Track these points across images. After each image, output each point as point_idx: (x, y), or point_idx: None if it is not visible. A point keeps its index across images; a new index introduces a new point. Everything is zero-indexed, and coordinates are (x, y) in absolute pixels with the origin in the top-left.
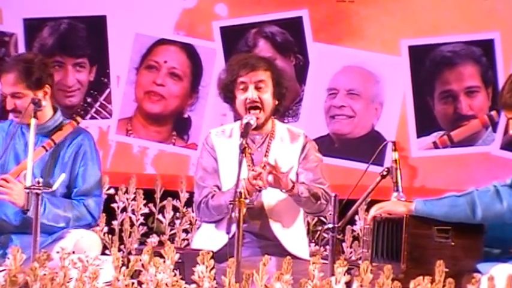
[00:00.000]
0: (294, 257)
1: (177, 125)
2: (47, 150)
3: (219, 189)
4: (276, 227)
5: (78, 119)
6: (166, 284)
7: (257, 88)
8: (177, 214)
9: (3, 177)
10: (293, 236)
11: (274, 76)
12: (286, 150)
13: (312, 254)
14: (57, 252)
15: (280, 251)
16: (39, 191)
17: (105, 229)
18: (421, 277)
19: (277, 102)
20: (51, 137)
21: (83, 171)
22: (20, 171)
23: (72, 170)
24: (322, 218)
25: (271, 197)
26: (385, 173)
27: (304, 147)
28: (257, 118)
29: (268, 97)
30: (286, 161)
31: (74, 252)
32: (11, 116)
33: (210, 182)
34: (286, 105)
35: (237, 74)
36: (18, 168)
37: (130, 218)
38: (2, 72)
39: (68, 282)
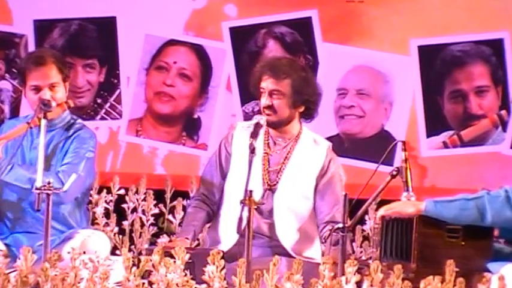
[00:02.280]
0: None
1: (187, 126)
2: (31, 128)
3: (206, 196)
4: (280, 229)
5: (70, 102)
6: (176, 284)
7: (271, 96)
8: None
9: None
10: (297, 238)
11: (293, 84)
12: (307, 160)
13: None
14: (68, 253)
15: (287, 252)
16: (49, 192)
17: (116, 229)
18: (431, 276)
19: (302, 109)
20: (37, 116)
21: (70, 152)
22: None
23: (66, 153)
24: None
25: (281, 198)
26: (394, 172)
27: (325, 164)
28: (268, 115)
29: (281, 104)
30: (305, 171)
31: (84, 253)
32: (22, 113)
33: (203, 185)
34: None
35: (259, 78)
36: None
37: (140, 218)
38: (33, 66)
39: (79, 282)
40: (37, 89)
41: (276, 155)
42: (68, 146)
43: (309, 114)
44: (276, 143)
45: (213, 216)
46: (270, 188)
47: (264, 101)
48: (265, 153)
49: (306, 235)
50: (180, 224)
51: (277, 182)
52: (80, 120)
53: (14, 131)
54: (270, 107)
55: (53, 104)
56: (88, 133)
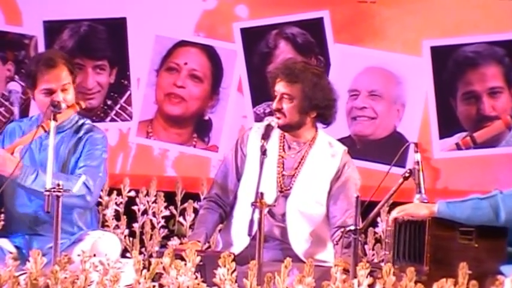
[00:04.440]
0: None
1: (198, 127)
2: (45, 131)
3: (220, 197)
4: (292, 233)
5: (81, 102)
6: (187, 287)
7: (281, 99)
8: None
9: None
10: (310, 242)
11: (304, 89)
12: (322, 165)
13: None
14: (78, 255)
15: (298, 256)
16: (59, 194)
17: (126, 232)
18: (444, 279)
19: (314, 114)
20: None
21: (86, 154)
22: (14, 148)
23: (80, 156)
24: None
25: (294, 203)
26: (407, 174)
27: (340, 168)
28: (278, 118)
29: (291, 108)
30: (319, 176)
31: (94, 255)
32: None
33: (217, 186)
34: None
35: (274, 81)
36: (13, 145)
37: (151, 220)
38: (44, 68)
39: (89, 285)
40: (50, 92)
41: (290, 159)
42: (81, 147)
43: (324, 119)
44: (291, 147)
45: (225, 218)
46: (284, 193)
47: (275, 104)
48: (280, 156)
49: (318, 239)
50: (191, 227)
51: (291, 187)
52: (88, 121)
53: (29, 135)
54: (279, 110)
55: (63, 105)
56: (100, 133)
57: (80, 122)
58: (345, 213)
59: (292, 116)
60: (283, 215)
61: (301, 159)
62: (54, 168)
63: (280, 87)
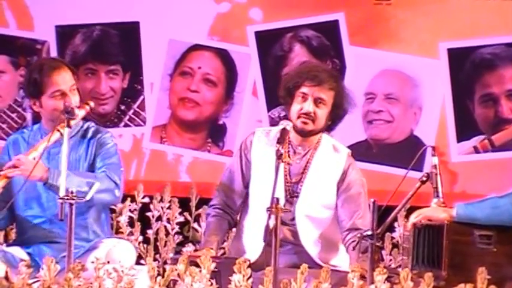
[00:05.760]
0: (320, 266)
1: (212, 132)
2: (62, 134)
3: (226, 204)
4: (303, 236)
5: (90, 102)
6: None
7: (315, 103)
8: None
9: (17, 157)
10: (322, 245)
11: (336, 97)
12: (327, 167)
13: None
14: (92, 262)
15: (312, 260)
16: (72, 201)
17: (140, 238)
18: (462, 284)
19: (330, 122)
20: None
21: (102, 154)
22: (30, 153)
23: (95, 158)
24: None
25: (302, 208)
26: (424, 178)
27: (345, 169)
28: (305, 123)
29: (322, 114)
30: (325, 179)
31: (108, 262)
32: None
33: (222, 193)
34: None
35: (301, 82)
36: (30, 151)
37: (165, 227)
38: (51, 71)
39: None
40: (61, 95)
41: (296, 164)
42: (93, 150)
43: (333, 127)
44: (296, 152)
45: (233, 225)
46: (292, 198)
47: (307, 106)
48: (285, 162)
49: (330, 243)
50: (205, 233)
51: (299, 193)
52: (92, 124)
53: (44, 141)
54: (308, 114)
55: (76, 111)
56: (106, 132)
57: (85, 126)
58: (353, 215)
59: (320, 122)
60: (293, 219)
61: (307, 164)
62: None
63: (313, 91)
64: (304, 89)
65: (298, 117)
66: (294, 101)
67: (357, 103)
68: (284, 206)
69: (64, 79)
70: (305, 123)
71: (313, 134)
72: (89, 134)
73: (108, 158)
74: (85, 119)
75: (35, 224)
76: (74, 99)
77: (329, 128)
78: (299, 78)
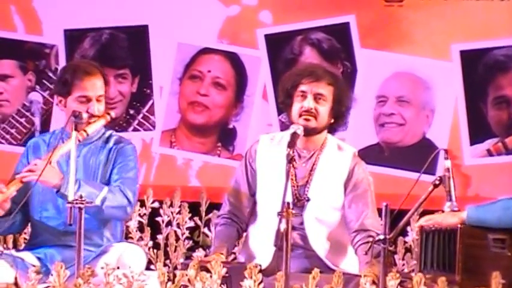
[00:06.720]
0: (332, 270)
1: (222, 136)
2: (80, 142)
3: (234, 214)
4: (313, 239)
5: (111, 112)
6: None
7: (316, 99)
8: None
9: (34, 162)
10: (331, 248)
11: (336, 92)
12: (333, 168)
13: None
14: (102, 268)
15: (323, 263)
16: (82, 206)
17: (150, 244)
18: None
19: (333, 120)
20: (83, 129)
21: (120, 166)
22: (49, 158)
23: (113, 168)
24: None
25: (311, 211)
26: (437, 182)
27: (351, 169)
28: (307, 120)
29: (324, 111)
30: (332, 181)
31: (118, 268)
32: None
33: (230, 203)
34: (342, 124)
35: (299, 81)
36: (49, 155)
37: (175, 232)
38: (83, 75)
39: None
40: (86, 100)
41: (301, 168)
42: (113, 158)
43: (337, 127)
44: (301, 156)
45: (242, 234)
46: (300, 202)
47: (307, 103)
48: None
49: (338, 245)
50: None
51: (306, 196)
52: (114, 132)
53: (66, 144)
54: (312, 111)
55: (84, 116)
56: (130, 144)
57: (107, 133)
58: (360, 215)
59: (323, 119)
60: (301, 223)
61: (313, 166)
62: (84, 178)
63: (312, 88)
64: (302, 87)
65: (300, 115)
66: (294, 101)
67: (357, 98)
68: (292, 209)
69: (94, 86)
70: (307, 119)
71: (317, 133)
72: (112, 141)
73: (126, 172)
74: (104, 126)
75: (49, 226)
76: (98, 107)
77: (333, 128)
78: (296, 77)
